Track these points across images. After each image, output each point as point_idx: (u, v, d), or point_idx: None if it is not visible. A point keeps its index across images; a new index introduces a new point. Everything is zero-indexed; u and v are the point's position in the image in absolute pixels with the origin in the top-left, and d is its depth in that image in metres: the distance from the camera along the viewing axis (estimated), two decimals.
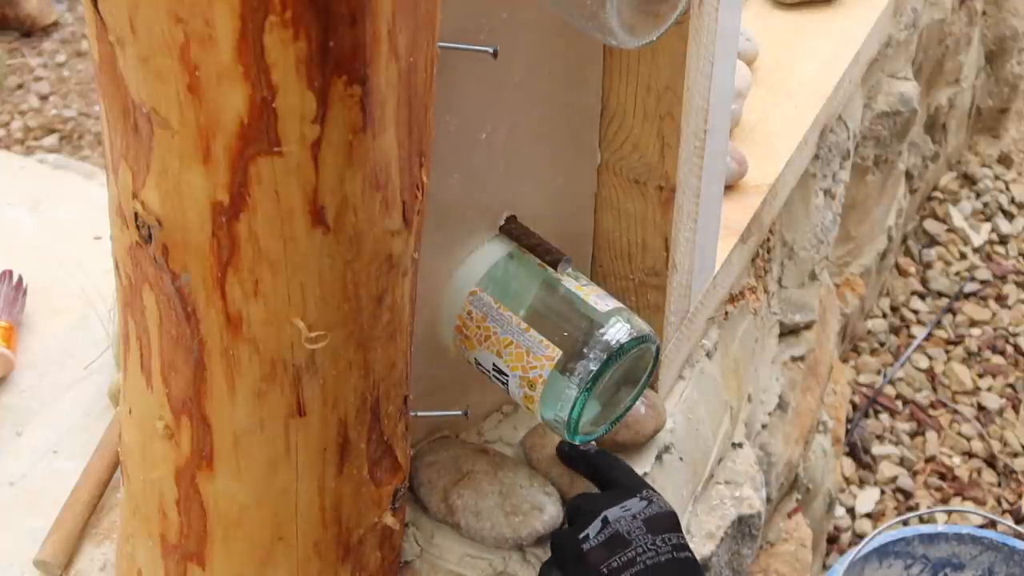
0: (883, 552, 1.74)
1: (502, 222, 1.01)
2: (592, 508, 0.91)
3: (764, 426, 1.81)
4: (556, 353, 0.94)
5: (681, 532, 0.91)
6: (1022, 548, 1.72)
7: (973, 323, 2.76)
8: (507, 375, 0.96)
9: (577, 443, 0.97)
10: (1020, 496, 2.43)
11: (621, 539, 0.88)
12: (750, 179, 1.44)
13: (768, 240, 1.62)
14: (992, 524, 2.10)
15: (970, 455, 2.50)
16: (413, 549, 1.02)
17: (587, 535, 0.89)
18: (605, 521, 0.89)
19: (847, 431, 2.47)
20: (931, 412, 2.58)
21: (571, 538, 0.90)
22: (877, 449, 2.51)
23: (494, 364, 0.97)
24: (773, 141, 1.52)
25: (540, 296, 0.97)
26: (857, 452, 2.49)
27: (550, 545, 0.93)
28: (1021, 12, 3.01)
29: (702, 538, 1.35)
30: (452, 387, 1.06)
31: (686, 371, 1.31)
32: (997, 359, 2.68)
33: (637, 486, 0.95)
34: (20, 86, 3.31)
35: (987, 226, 3.03)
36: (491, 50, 0.86)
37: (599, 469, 0.99)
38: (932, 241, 2.98)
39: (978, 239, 2.99)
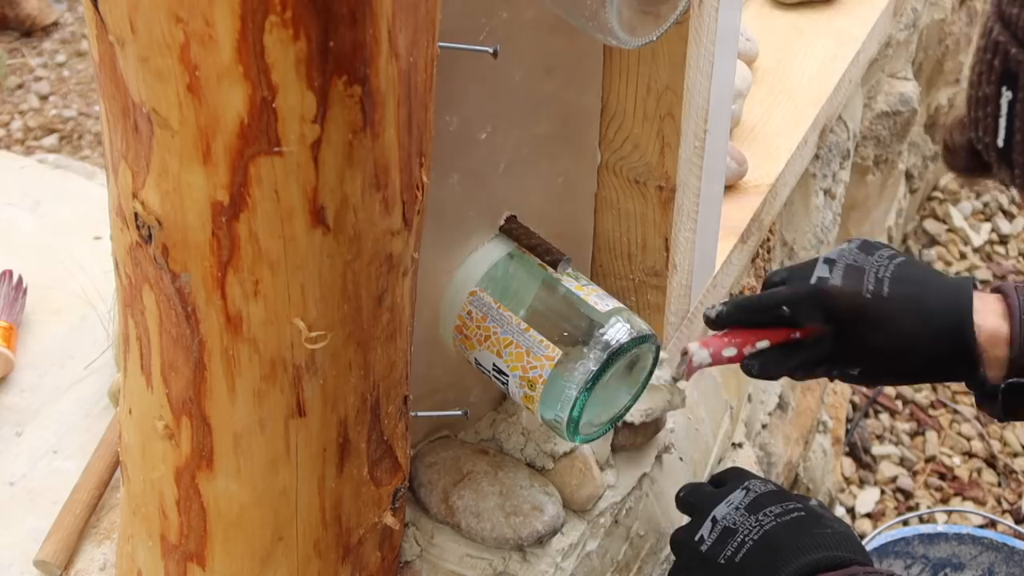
0: (883, 552, 1.74)
1: (502, 222, 1.01)
2: (703, 508, 1.04)
3: (764, 426, 1.81)
4: (556, 353, 0.94)
5: (788, 501, 1.02)
6: (1022, 548, 1.72)
7: None
8: (507, 375, 0.96)
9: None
10: (1020, 496, 2.43)
11: (729, 531, 1.01)
12: (750, 179, 1.44)
13: (768, 240, 1.63)
14: (992, 524, 2.10)
15: (970, 455, 2.50)
16: (413, 549, 1.02)
17: (701, 536, 1.02)
18: (714, 520, 1.02)
19: (847, 431, 2.47)
20: (931, 412, 2.58)
21: (689, 542, 1.03)
22: (877, 449, 2.51)
23: (494, 364, 0.97)
24: (773, 141, 1.52)
25: (540, 296, 0.97)
26: (857, 452, 2.49)
27: (671, 546, 1.06)
28: None
29: None
30: (452, 387, 1.06)
31: None
32: None
33: (741, 480, 1.06)
34: (20, 86, 3.32)
35: (987, 226, 3.03)
36: (491, 50, 0.86)
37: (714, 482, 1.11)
38: (932, 241, 2.98)
39: (978, 239, 2.99)
